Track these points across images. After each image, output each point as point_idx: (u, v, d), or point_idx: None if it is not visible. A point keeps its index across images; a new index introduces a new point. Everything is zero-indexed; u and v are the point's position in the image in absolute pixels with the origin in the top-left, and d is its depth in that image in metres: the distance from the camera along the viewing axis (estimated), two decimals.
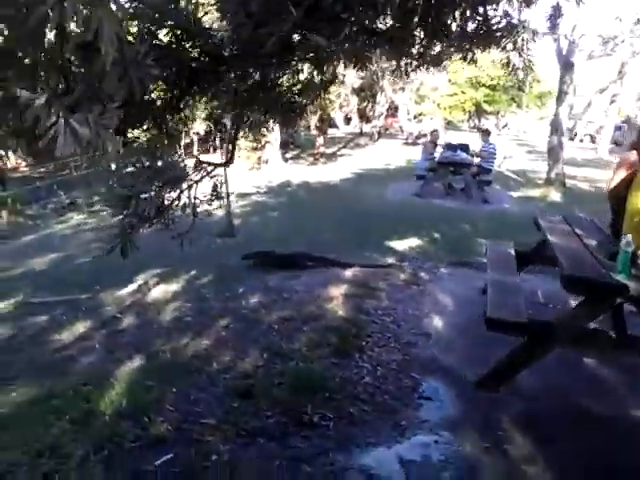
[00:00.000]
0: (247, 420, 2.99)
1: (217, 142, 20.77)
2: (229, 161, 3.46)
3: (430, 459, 2.73)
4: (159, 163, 3.18)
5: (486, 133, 11.52)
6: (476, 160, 11.21)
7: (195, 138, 19.06)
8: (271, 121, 3.82)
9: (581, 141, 35.34)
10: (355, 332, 4.15)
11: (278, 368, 3.61)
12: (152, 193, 3.28)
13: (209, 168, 3.48)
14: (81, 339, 4.38)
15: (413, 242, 7.38)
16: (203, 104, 3.25)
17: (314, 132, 19.64)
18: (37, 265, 6.84)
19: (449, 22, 3.16)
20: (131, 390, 3.34)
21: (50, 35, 1.60)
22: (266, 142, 16.50)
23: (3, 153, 11.69)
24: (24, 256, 7.35)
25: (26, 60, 1.60)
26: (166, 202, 3.30)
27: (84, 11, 1.39)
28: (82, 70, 1.73)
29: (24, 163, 18.23)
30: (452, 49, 3.47)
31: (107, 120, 1.78)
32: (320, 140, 18.80)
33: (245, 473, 2.56)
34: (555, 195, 11.36)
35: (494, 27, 3.21)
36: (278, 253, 6.47)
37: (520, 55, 3.47)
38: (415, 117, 31.31)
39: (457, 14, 2.84)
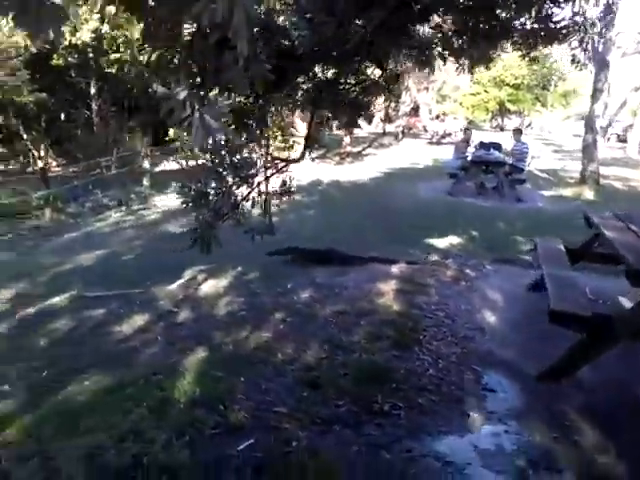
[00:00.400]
0: (319, 409, 3.07)
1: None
2: (301, 157, 3.56)
3: (503, 448, 2.79)
4: (236, 159, 3.30)
5: (518, 132, 11.49)
6: (508, 159, 11.18)
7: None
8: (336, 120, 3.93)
9: (608, 140, 34.86)
10: (411, 326, 4.21)
11: (341, 360, 3.69)
12: (228, 189, 3.41)
13: (279, 164, 3.59)
14: (141, 331, 4.51)
15: (453, 240, 7.41)
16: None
17: (337, 132, 19.68)
18: (84, 261, 7.01)
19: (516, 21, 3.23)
20: (201, 380, 3.45)
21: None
22: (294, 142, 16.59)
23: (42, 154, 11.98)
24: (70, 252, 7.53)
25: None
26: (239, 198, 3.43)
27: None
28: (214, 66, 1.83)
29: (54, 163, 18.59)
30: (514, 47, 3.53)
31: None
32: (347, 139, 18.87)
33: (325, 458, 2.64)
34: (589, 194, 11.28)
35: (559, 25, 3.26)
36: (307, 249, 6.54)
37: (584, 51, 3.52)
38: (437, 117, 31.21)
39: (532, 12, 2.90)
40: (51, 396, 3.47)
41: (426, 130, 28.59)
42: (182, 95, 1.62)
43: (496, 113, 37.82)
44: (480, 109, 35.33)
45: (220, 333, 4.30)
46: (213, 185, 3.34)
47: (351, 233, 7.87)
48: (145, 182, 12.46)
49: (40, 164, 14.50)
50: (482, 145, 11.67)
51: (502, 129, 34.91)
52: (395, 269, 5.78)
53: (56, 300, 5.47)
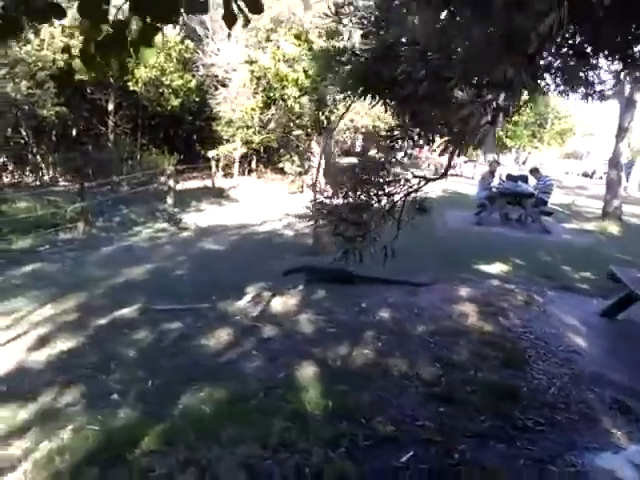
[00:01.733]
0: (464, 423, 3.06)
1: (253, 165, 21.04)
2: (444, 174, 3.62)
3: None
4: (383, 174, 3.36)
5: (536, 170, 11.79)
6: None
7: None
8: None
9: (600, 178, 35.79)
10: (510, 347, 4.24)
11: (459, 377, 3.69)
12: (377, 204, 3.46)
13: (414, 182, 3.64)
14: (232, 345, 4.45)
15: (500, 267, 7.48)
16: None
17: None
18: (134, 275, 6.93)
19: None
20: (327, 393, 3.42)
21: None
22: (310, 167, 16.75)
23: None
24: (115, 265, 7.43)
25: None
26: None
27: None
28: None
29: (61, 178, 18.45)
30: None
31: None
32: None
33: (496, 471, 2.62)
34: (613, 229, 11.54)
35: None
36: (324, 268, 6.43)
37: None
38: (434, 151, 31.74)
39: None
40: (171, 406, 3.41)
41: (428, 163, 29.00)
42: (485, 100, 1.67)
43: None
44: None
45: (318, 349, 4.27)
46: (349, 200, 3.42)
47: (394, 258, 7.87)
48: (169, 200, 12.41)
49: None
50: (510, 177, 11.90)
51: (499, 164, 35.56)
52: (463, 292, 5.82)
53: (125, 312, 5.38)
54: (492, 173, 12.38)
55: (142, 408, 3.40)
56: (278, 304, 5.63)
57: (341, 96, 7.81)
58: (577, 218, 13.24)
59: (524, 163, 38.38)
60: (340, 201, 3.27)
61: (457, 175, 26.39)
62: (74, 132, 18.56)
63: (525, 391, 3.50)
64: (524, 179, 11.74)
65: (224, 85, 16.66)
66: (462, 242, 9.34)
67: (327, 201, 3.36)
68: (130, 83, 14.99)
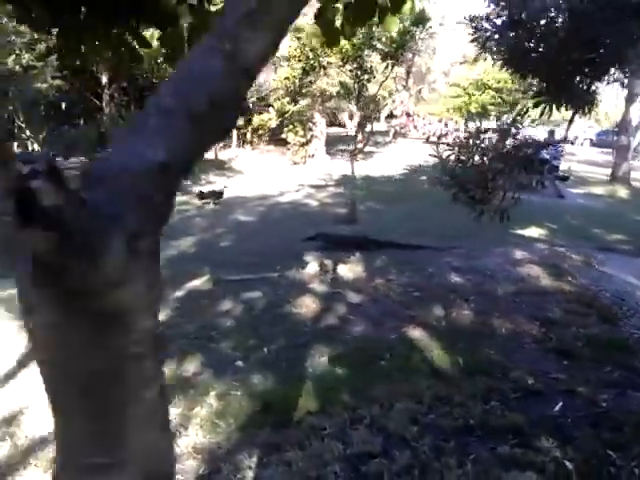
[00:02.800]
0: (594, 374, 3.25)
1: (248, 136, 20.81)
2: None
3: None
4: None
5: (551, 132, 11.96)
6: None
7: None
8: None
9: (581, 145, 36.39)
10: (597, 304, 4.44)
11: (563, 333, 3.87)
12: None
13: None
14: (324, 311, 4.55)
15: (535, 230, 7.70)
16: None
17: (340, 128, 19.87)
18: (182, 247, 6.94)
19: None
20: (452, 352, 3.57)
21: None
22: (312, 136, 16.66)
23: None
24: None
25: None
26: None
27: None
28: None
29: (51, 153, 17.96)
30: None
31: None
32: (359, 136, 19.04)
33: None
34: (623, 192, 11.89)
35: None
36: (340, 235, 6.93)
37: None
38: (423, 118, 31.77)
39: None
40: (301, 369, 3.51)
41: (417, 130, 29.10)
42: None
43: (469, 116, 38.65)
44: (459, 111, 36.15)
45: (414, 312, 4.40)
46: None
47: (428, 222, 8.05)
48: None
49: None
50: None
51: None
52: (520, 255, 6.01)
53: (197, 283, 5.42)
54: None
55: (273, 373, 3.49)
56: (345, 271, 5.72)
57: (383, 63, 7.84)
58: (583, 183, 13.56)
59: None
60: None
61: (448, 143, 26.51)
62: (63, 106, 18.06)
63: (632, 343, 3.70)
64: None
65: None
66: None
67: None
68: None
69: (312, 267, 5.91)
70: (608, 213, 9.52)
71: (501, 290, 4.80)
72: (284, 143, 21.83)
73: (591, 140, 35.81)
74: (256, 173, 14.68)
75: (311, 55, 8.35)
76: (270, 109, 16.06)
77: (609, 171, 16.62)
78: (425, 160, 18.38)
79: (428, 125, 29.33)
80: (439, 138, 26.79)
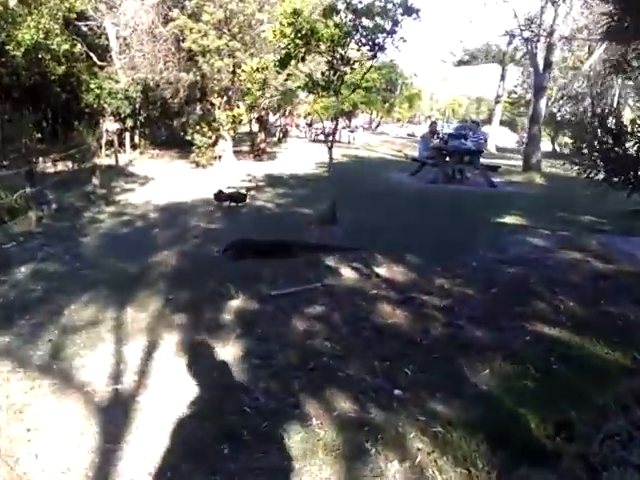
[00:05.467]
0: None
1: (136, 140, 19.14)
2: None
3: None
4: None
5: (476, 124, 12.54)
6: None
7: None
8: None
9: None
10: None
11: None
12: None
13: None
14: (419, 320, 4.11)
15: (515, 219, 7.88)
16: None
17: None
18: (166, 262, 5.96)
19: None
20: (620, 345, 3.36)
21: None
22: (218, 137, 15.72)
23: None
24: (133, 254, 6.29)
25: None
26: None
27: None
28: None
29: None
30: None
31: None
32: (262, 136, 18.41)
33: None
34: (538, 179, 12.81)
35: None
36: (256, 241, 6.29)
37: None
38: (305, 117, 31.86)
39: None
40: (468, 387, 3.06)
41: (299, 129, 29.09)
42: None
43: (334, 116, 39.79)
44: (328, 110, 37.02)
45: (513, 309, 4.14)
46: None
47: (402, 221, 7.88)
48: (95, 181, 10.73)
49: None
50: (452, 136, 12.44)
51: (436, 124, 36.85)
52: (545, 242, 6.06)
53: (238, 303, 4.63)
54: (432, 133, 12.87)
55: (442, 395, 3.00)
56: (388, 273, 5.29)
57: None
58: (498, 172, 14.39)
59: (378, 126, 40.50)
60: None
61: (338, 141, 26.86)
62: None
63: None
64: (464, 137, 12.38)
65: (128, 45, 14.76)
66: (445, 200, 9.64)
67: None
68: (9, 47, 12.42)
69: (346, 272, 5.38)
70: (549, 197, 10.19)
71: (572, 277, 4.71)
72: (173, 146, 20.46)
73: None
74: (168, 178, 13.43)
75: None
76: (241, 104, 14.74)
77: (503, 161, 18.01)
78: (327, 157, 18.52)
79: (309, 124, 29.41)
80: (327, 136, 27.19)
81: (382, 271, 5.38)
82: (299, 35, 6.60)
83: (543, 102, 13.96)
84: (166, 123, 22.37)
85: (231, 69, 14.17)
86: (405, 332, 3.89)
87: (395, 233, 7.06)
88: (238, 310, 4.45)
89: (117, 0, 16.17)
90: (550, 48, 13.08)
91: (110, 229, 7.78)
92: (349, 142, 26.64)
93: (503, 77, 24.34)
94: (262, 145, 18.28)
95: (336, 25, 6.83)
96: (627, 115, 23.39)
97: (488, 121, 35.65)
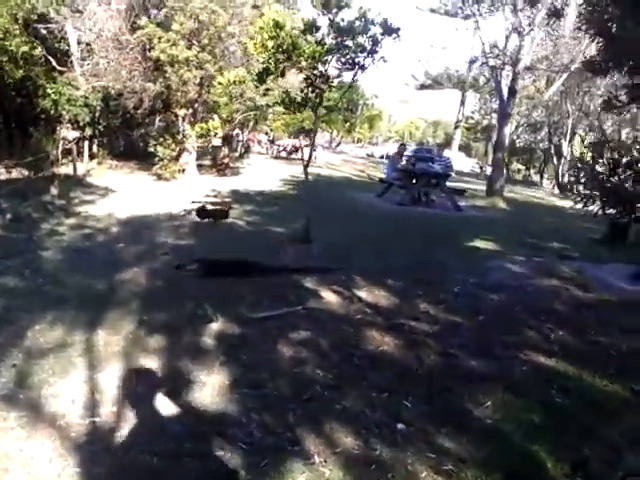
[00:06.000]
0: None
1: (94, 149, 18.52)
2: None
3: None
4: None
5: (442, 148, 12.73)
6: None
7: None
8: None
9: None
10: None
11: None
12: None
13: None
14: (409, 347, 4.00)
15: (485, 243, 7.95)
16: None
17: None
18: (137, 280, 5.67)
19: None
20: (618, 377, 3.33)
21: None
22: (182, 150, 15.37)
23: None
24: (99, 269, 5.95)
25: None
26: None
27: None
28: None
29: None
30: None
31: None
32: (225, 150, 18.13)
33: None
34: (501, 204, 13.08)
35: None
36: (216, 259, 6.05)
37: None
38: (266, 134, 31.73)
39: None
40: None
41: (261, 145, 28.94)
42: None
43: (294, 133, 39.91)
44: (288, 128, 37.05)
45: (503, 337, 4.09)
46: None
47: (376, 241, 7.83)
48: (54, 190, 10.22)
49: None
50: (420, 159, 12.53)
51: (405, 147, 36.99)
52: (523, 269, 6.09)
53: (218, 326, 4.39)
54: (400, 155, 12.96)
55: (447, 430, 2.88)
56: (371, 297, 5.17)
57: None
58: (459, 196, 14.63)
59: (337, 146, 40.80)
60: None
61: (300, 159, 26.79)
62: None
63: None
64: (431, 160, 12.51)
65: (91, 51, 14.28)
66: (415, 223, 9.66)
67: None
68: None
69: (327, 295, 5.23)
70: (514, 223, 10.38)
71: (556, 306, 4.73)
72: (132, 157, 19.89)
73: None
74: (130, 190, 12.97)
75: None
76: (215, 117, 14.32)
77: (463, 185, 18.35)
78: (292, 175, 18.49)
79: (271, 141, 29.32)
80: (290, 153, 27.11)
81: (364, 294, 5.25)
82: (280, 49, 6.48)
83: (507, 129, 14.35)
84: (125, 133, 21.76)
85: (198, 81, 13.93)
86: (398, 360, 3.76)
87: (371, 254, 6.98)
88: (219, 334, 4.22)
89: (81, 4, 15.72)
90: (515, 77, 13.50)
91: (71, 243, 7.36)
92: (309, 160, 26.62)
93: (463, 102, 25.00)
94: (225, 160, 18.01)
95: (317, 42, 6.76)
96: (576, 144, 24.45)
97: (445, 145, 36.81)
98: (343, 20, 6.99)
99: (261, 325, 4.38)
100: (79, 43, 16.75)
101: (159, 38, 12.38)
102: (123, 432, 2.87)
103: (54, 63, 17.37)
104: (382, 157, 39.93)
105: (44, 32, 17.49)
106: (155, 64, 13.49)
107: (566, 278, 5.67)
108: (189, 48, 12.57)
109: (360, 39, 6.88)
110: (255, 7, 12.68)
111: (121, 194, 12.40)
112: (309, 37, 6.71)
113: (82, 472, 2.54)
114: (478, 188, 16.24)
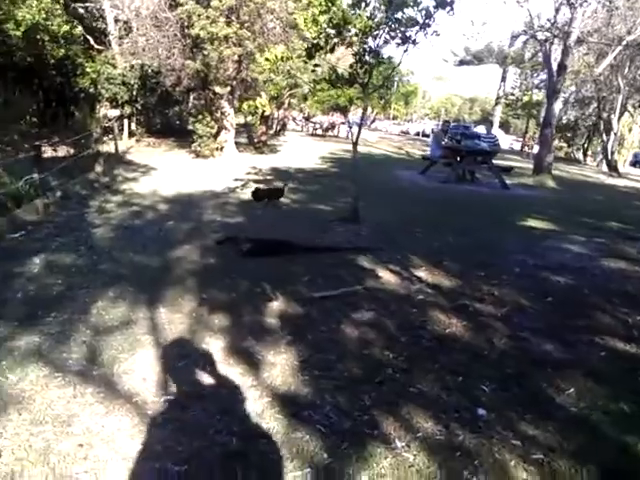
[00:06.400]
0: None
1: (132, 127, 18.63)
2: None
3: None
4: None
5: (490, 123, 12.35)
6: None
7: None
8: None
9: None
10: None
11: None
12: None
13: None
14: (478, 330, 3.87)
15: (539, 223, 7.70)
16: None
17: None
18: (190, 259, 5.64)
19: None
20: None
21: None
22: (221, 127, 15.33)
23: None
24: (152, 246, 5.97)
25: None
26: None
27: None
28: None
29: None
30: None
31: None
32: (263, 128, 18.03)
33: None
34: (550, 182, 12.67)
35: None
36: (258, 238, 6.02)
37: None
38: (300, 110, 31.50)
39: None
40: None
41: (296, 122, 28.72)
42: None
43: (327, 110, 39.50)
44: (322, 105, 36.65)
45: (579, 321, 3.92)
46: None
47: (429, 219, 7.67)
48: (98, 168, 10.32)
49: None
50: (466, 136, 12.21)
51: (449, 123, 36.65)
52: (578, 249, 5.86)
53: (278, 305, 4.35)
54: (445, 132, 12.65)
55: (531, 417, 2.76)
56: (429, 276, 5.06)
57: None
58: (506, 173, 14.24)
59: (372, 123, 40.28)
60: None
61: (336, 136, 26.62)
62: None
63: None
64: (477, 137, 12.17)
65: (131, 29, 14.29)
66: (463, 201, 9.44)
67: None
68: (9, 25, 11.85)
69: (385, 275, 5.14)
70: (567, 202, 10.08)
71: (628, 288, 4.52)
72: (168, 135, 19.99)
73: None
74: (170, 168, 13.00)
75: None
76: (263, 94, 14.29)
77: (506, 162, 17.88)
78: (330, 152, 18.30)
79: (306, 118, 29.06)
80: (326, 130, 26.89)
81: (422, 274, 5.15)
82: (331, 24, 6.30)
83: (557, 105, 13.81)
84: (161, 111, 21.86)
85: (236, 58, 13.80)
86: (468, 343, 3.65)
87: (423, 234, 6.84)
88: (280, 313, 4.18)
89: None
90: (566, 51, 12.93)
91: (121, 220, 7.39)
92: (347, 137, 26.39)
93: (504, 78, 24.21)
94: (263, 138, 17.91)
95: (368, 16, 6.55)
96: (625, 120, 23.49)
97: (482, 122, 35.89)
98: None
99: (322, 304, 4.32)
100: (116, 21, 16.80)
101: (199, 15, 12.25)
102: (197, 411, 2.84)
103: (92, 42, 17.49)
104: (417, 134, 39.42)
105: (82, 12, 17.61)
106: (194, 41, 13.38)
107: (633, 259, 5.43)
108: (228, 25, 12.41)
109: (411, 12, 6.62)
110: None
111: (162, 171, 12.44)
112: (359, 11, 6.49)
113: (163, 451, 2.52)
114: (522, 166, 15.80)
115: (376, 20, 6.50)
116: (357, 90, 33.67)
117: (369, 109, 39.33)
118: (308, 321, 4.00)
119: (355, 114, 40.11)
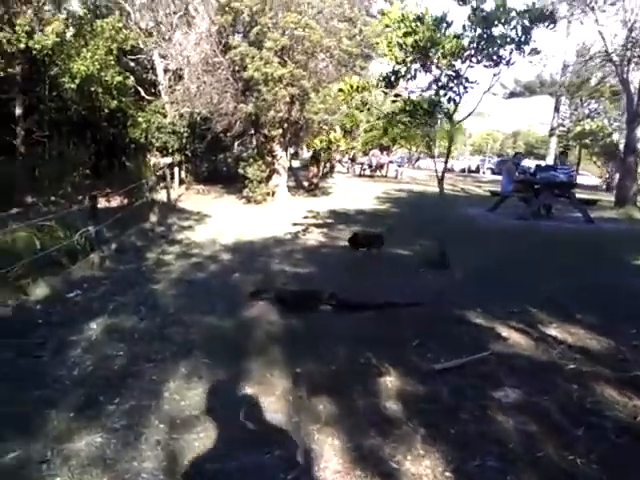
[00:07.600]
0: None
1: (182, 175, 18.37)
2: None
3: None
4: None
5: (564, 154, 11.36)
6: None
7: None
8: None
9: (484, 173, 38.21)
10: None
11: None
12: None
13: None
14: None
15: None
16: None
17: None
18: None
19: None
20: None
21: None
22: (273, 171, 14.81)
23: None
24: (220, 304, 5.19)
25: None
26: None
27: None
28: None
29: None
30: None
31: None
32: (314, 170, 17.46)
33: None
34: (636, 214, 11.46)
35: None
36: (292, 290, 5.57)
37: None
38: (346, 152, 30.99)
39: None
40: None
41: (342, 164, 28.15)
42: None
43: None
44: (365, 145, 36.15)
45: None
46: None
47: (527, 263, 6.70)
48: (153, 218, 9.81)
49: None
50: (541, 168, 11.23)
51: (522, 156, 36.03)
52: None
53: (392, 380, 3.44)
54: (517, 165, 11.71)
55: None
56: (569, 336, 4.06)
57: None
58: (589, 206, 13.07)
59: (416, 161, 39.56)
60: None
61: (385, 176, 25.91)
62: None
63: None
64: (553, 168, 11.17)
65: (180, 77, 14.15)
66: (552, 239, 8.40)
67: None
68: (65, 79, 11.75)
69: (510, 334, 4.17)
70: None
71: None
72: (216, 181, 19.66)
73: (492, 169, 37.82)
74: (223, 215, 12.46)
75: None
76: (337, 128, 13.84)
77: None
78: (384, 192, 17.53)
79: (352, 159, 28.47)
80: (374, 171, 26.19)
81: (556, 333, 4.16)
82: (417, 47, 5.57)
83: (639, 131, 12.66)
84: (209, 158, 21.68)
85: (288, 99, 13.35)
86: None
87: (527, 279, 5.87)
88: (398, 392, 3.27)
89: (167, 33, 15.75)
90: None
91: (182, 273, 6.70)
92: (396, 177, 25.64)
93: (557, 109, 23.15)
94: (315, 180, 17.33)
95: (456, 36, 5.81)
96: None
97: (526, 154, 34.59)
98: (482, 10, 5.99)
99: (447, 379, 3.39)
100: (166, 72, 16.81)
101: (252, 57, 11.88)
102: None
103: (142, 93, 17.54)
104: (463, 170, 38.41)
105: (132, 64, 17.78)
106: (246, 84, 13.03)
107: None
108: (283, 65, 11.99)
109: (504, 29, 5.85)
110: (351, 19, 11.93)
111: (216, 218, 11.89)
112: (446, 31, 5.76)
113: None
114: (598, 197, 14.61)
115: (467, 39, 5.74)
116: (401, 130, 33.01)
117: (413, 148, 38.79)
118: (440, 406, 3.07)
119: (396, 154, 39.67)
